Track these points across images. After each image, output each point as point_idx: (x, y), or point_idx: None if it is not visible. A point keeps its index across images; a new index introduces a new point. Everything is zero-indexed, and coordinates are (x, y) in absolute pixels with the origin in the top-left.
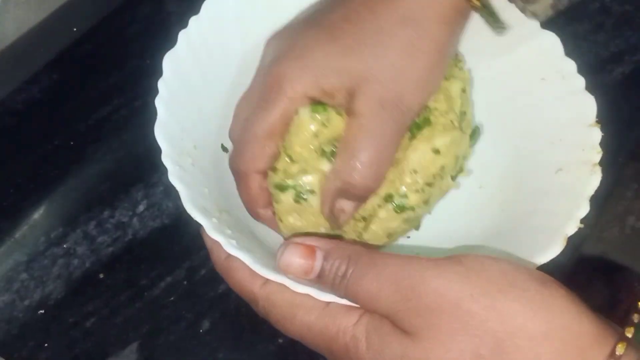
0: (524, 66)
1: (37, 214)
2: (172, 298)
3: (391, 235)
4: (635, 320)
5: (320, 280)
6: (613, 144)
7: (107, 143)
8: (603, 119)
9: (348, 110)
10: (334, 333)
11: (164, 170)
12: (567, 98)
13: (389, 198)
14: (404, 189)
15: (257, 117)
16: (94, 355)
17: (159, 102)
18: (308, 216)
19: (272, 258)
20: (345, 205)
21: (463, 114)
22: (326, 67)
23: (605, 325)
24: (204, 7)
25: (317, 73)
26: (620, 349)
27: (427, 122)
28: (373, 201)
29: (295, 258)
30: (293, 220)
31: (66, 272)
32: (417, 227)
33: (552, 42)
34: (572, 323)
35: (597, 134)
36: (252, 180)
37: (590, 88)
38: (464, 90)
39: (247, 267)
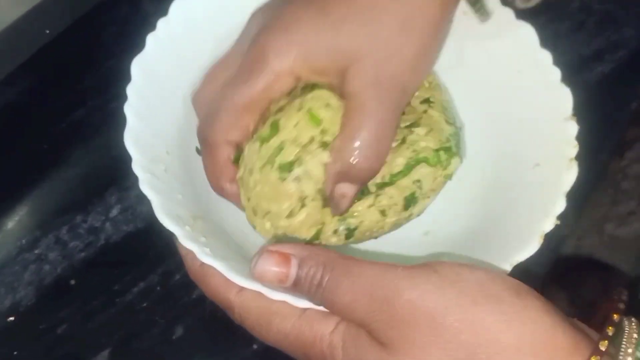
0: (500, 58)
1: (9, 219)
2: (145, 304)
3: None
4: (610, 334)
5: (296, 288)
6: (593, 142)
7: (82, 146)
8: (584, 118)
9: (341, 92)
10: (310, 340)
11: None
12: (543, 91)
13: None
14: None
15: (238, 87)
16: None
17: (128, 109)
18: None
19: (247, 264)
20: (347, 189)
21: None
22: (316, 44)
23: (580, 337)
24: (172, 9)
25: (306, 50)
26: None
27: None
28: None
29: (269, 266)
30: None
31: (37, 278)
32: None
33: (527, 33)
34: (545, 335)
35: (573, 128)
36: (222, 151)
37: (571, 86)
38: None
39: (222, 274)
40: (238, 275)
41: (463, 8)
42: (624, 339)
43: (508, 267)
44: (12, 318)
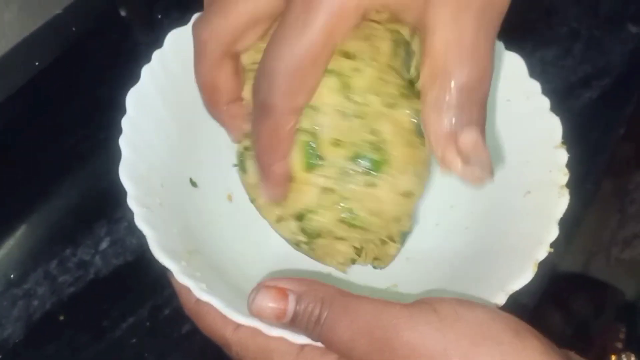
0: (490, 88)
1: None
2: (134, 339)
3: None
4: None
5: (294, 324)
6: (581, 168)
7: (70, 177)
8: (571, 144)
9: (421, 25)
10: None
11: (128, 206)
12: (532, 119)
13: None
14: None
15: (293, 39)
16: None
17: (123, 142)
18: None
19: (244, 299)
20: (470, 137)
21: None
22: None
23: None
24: (167, 40)
25: None
26: None
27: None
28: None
29: (267, 302)
30: None
31: (26, 314)
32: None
33: (516, 63)
34: None
35: (563, 156)
36: (286, 120)
37: (558, 113)
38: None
39: (219, 310)
40: (235, 311)
41: None
42: None
43: (503, 297)
44: (0, 356)
